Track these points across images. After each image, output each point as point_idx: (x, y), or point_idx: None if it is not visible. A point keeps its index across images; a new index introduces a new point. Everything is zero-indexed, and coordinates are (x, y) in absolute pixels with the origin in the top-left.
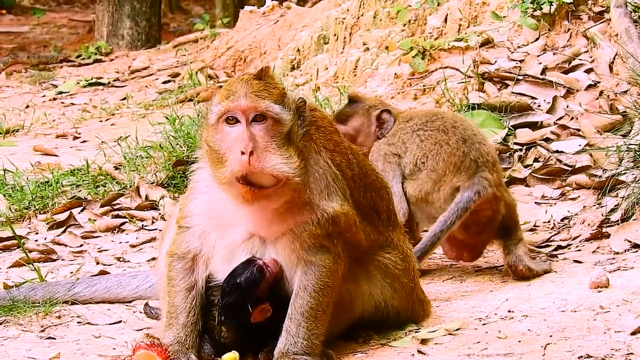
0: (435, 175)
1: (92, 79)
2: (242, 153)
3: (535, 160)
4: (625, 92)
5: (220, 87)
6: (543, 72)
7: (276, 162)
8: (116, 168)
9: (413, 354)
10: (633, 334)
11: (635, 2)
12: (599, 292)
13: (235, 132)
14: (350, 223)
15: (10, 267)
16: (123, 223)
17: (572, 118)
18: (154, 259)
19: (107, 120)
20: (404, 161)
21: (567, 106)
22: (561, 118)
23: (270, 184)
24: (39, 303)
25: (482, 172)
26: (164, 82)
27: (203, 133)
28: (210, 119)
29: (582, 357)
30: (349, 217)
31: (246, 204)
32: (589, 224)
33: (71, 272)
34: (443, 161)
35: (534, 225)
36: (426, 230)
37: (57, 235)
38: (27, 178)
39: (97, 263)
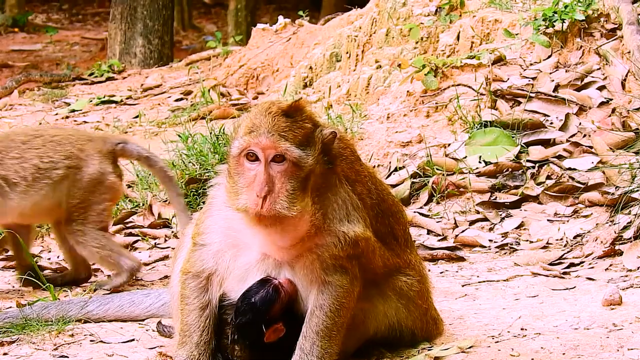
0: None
1: (104, 97)
2: (257, 195)
3: (548, 177)
4: (638, 109)
5: (233, 105)
6: (555, 89)
7: (287, 204)
8: (129, 186)
9: None
10: None
11: None
12: (612, 309)
13: (254, 170)
14: (370, 248)
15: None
16: (136, 241)
17: (584, 135)
18: (166, 277)
19: None
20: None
21: (580, 123)
22: (574, 135)
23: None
24: (52, 321)
25: None
26: (177, 100)
27: (228, 159)
28: (233, 150)
29: None
30: (369, 242)
31: (258, 228)
32: (601, 242)
33: (84, 290)
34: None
35: (547, 243)
36: None
37: None
38: None
39: None
